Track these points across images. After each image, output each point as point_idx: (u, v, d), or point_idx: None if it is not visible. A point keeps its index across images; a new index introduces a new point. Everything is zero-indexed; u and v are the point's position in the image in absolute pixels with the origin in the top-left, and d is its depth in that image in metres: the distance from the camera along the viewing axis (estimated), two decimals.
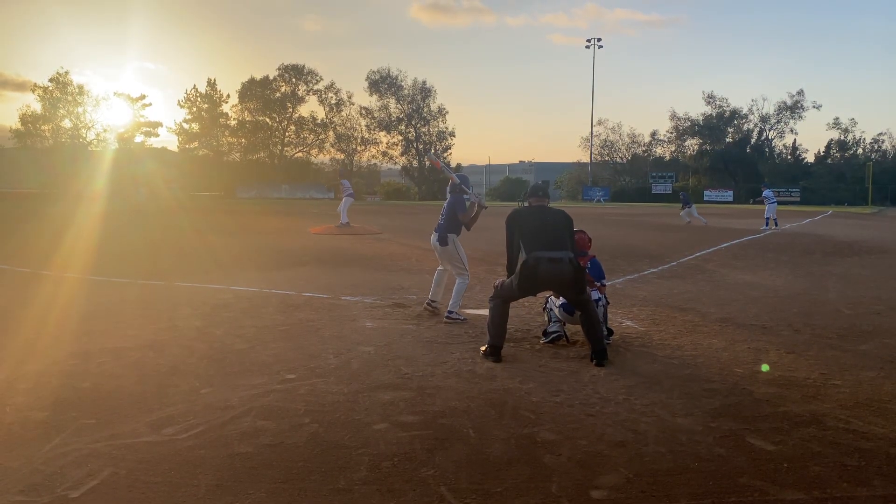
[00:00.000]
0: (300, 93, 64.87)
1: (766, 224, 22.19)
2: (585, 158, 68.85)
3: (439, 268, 7.34)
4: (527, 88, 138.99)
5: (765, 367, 5.24)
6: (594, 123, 67.86)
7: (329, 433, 3.67)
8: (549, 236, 5.36)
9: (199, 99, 62.60)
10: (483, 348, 5.42)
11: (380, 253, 13.35)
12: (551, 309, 5.95)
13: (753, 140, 65.76)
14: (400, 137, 66.62)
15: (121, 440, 3.53)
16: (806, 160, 66.31)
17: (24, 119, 55.70)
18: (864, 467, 3.31)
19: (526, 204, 5.76)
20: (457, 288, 6.87)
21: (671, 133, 67.79)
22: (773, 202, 22.83)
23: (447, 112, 66.91)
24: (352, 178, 22.29)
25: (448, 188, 7.21)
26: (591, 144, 67.54)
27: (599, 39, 64.40)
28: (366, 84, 65.58)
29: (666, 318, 7.04)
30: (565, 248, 5.33)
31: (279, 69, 64.38)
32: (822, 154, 65.79)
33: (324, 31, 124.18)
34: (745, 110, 65.38)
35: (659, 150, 70.03)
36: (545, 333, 5.91)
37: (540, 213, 5.58)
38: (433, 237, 7.16)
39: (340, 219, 19.58)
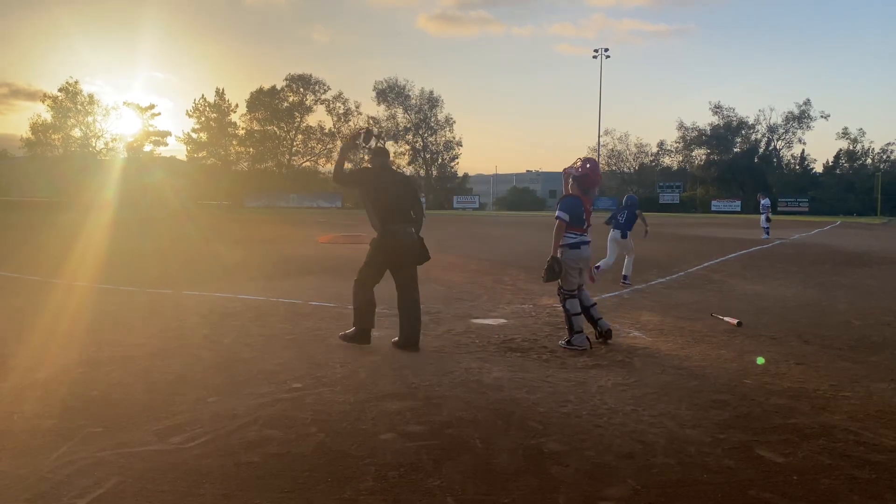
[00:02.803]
0: (308, 102, 65.34)
1: (767, 233, 22.76)
2: None
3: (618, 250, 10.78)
4: (534, 98, 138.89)
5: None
6: (601, 133, 67.80)
7: (335, 443, 3.66)
8: (403, 208, 5.87)
9: (207, 108, 63.13)
10: (347, 332, 5.86)
11: None
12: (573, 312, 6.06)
13: (761, 150, 65.62)
14: (407, 147, 66.87)
15: (128, 449, 3.54)
16: (814, 170, 66.12)
17: (34, 128, 56.31)
18: (875, 480, 3.28)
19: (364, 145, 6.21)
20: (628, 261, 10.64)
21: (678, 143, 67.79)
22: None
23: (454, 122, 67.37)
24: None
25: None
26: (599, 154, 67.50)
27: (607, 49, 64.49)
28: (373, 94, 65.96)
29: (674, 328, 7.01)
30: (412, 221, 5.90)
31: (287, 79, 64.99)
32: (830, 164, 65.57)
33: (331, 42, 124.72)
34: (752, 120, 65.35)
35: (666, 160, 70.04)
36: (569, 343, 5.95)
37: (391, 181, 5.97)
38: (617, 234, 10.79)
39: None
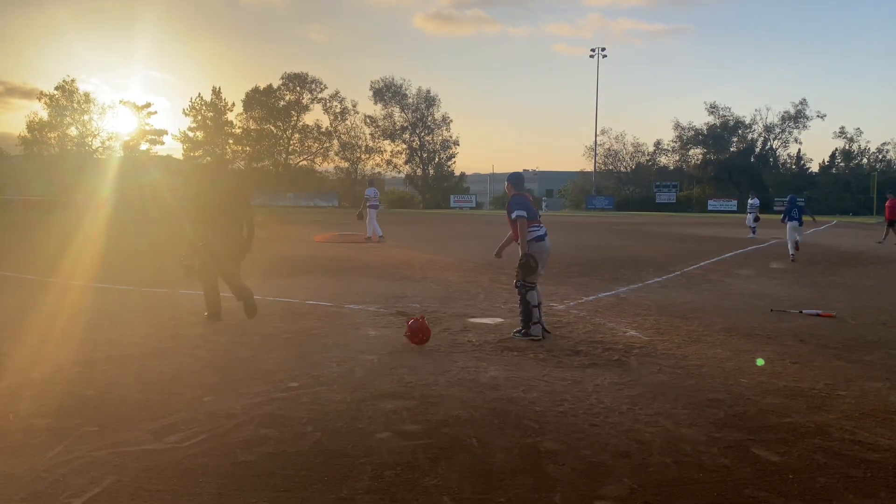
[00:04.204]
0: (304, 101, 65.16)
1: (753, 231, 22.92)
2: (589, 168, 68.86)
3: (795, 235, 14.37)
4: (531, 97, 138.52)
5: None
6: (598, 133, 67.67)
7: (332, 442, 3.66)
8: (224, 210, 6.73)
9: (203, 107, 62.95)
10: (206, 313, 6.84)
11: (383, 261, 13.36)
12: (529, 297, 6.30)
13: (758, 150, 65.69)
14: (404, 146, 66.76)
15: (123, 448, 3.53)
16: (810, 170, 66.19)
17: (30, 126, 56.11)
18: (869, 479, 3.29)
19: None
20: (799, 238, 14.48)
21: (675, 143, 67.74)
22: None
23: (451, 121, 67.04)
24: (379, 185, 20.96)
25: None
26: (595, 154, 67.54)
27: (603, 49, 64.39)
28: (370, 93, 65.80)
29: (670, 327, 7.02)
30: (235, 221, 6.81)
31: (283, 78, 64.71)
32: (826, 164, 65.65)
33: (328, 41, 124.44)
34: (748, 120, 65.43)
35: (663, 160, 69.94)
36: (525, 333, 6.21)
37: (213, 188, 6.84)
38: (795, 223, 14.34)
39: (368, 231, 18.09)
